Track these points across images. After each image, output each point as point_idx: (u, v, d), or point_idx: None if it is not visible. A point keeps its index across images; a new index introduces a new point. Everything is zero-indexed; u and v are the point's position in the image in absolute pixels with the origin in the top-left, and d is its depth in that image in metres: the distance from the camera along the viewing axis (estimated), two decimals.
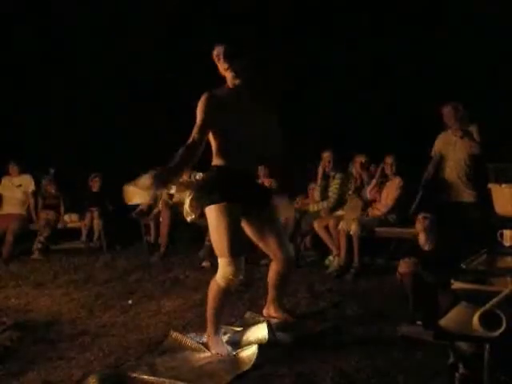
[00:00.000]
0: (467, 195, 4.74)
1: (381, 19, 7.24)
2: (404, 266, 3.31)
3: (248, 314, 3.66)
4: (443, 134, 4.98)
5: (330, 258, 5.27)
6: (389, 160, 5.25)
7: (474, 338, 2.06)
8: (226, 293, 2.98)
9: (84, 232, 6.87)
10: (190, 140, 2.84)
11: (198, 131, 2.86)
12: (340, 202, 5.52)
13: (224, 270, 2.91)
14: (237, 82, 2.97)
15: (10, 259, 6.22)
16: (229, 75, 2.98)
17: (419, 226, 3.59)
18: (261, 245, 3.27)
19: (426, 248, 3.48)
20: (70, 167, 7.37)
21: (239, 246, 2.93)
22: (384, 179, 5.29)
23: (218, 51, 2.92)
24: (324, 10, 7.37)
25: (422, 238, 3.56)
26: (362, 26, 7.29)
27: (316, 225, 5.37)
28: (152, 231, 6.72)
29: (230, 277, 2.89)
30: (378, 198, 5.29)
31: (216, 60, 2.96)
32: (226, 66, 2.94)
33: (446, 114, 4.83)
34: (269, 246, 3.24)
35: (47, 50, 7.87)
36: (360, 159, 5.55)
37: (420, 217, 3.62)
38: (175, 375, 2.71)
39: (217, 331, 3.05)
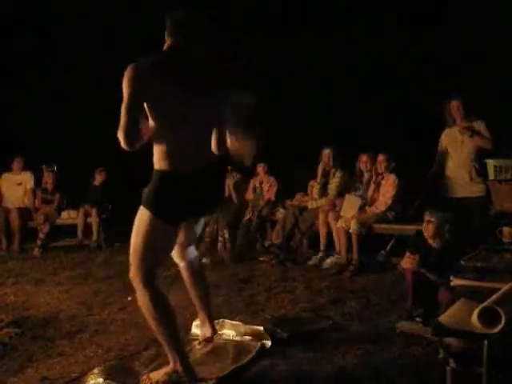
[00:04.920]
0: (476, 189, 4.67)
1: (381, 19, 7.25)
2: (407, 262, 3.29)
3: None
4: (448, 129, 4.93)
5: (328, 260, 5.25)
6: (380, 158, 5.29)
7: (473, 335, 2.07)
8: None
9: (80, 229, 6.87)
10: None
11: None
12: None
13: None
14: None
15: (19, 251, 6.43)
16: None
17: (426, 232, 3.49)
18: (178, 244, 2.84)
19: (435, 246, 3.44)
20: (70, 165, 7.38)
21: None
22: (380, 178, 5.31)
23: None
24: (324, 10, 7.37)
25: (430, 238, 3.50)
26: (362, 25, 7.29)
27: (320, 219, 5.38)
28: None
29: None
30: (376, 197, 5.31)
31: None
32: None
33: (453, 107, 4.77)
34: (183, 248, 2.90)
35: (47, 48, 7.87)
36: (363, 158, 5.55)
37: (425, 222, 3.51)
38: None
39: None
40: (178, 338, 2.57)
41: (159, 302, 2.48)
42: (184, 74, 2.45)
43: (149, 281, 2.48)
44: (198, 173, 2.48)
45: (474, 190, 4.70)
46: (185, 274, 3.00)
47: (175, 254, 2.92)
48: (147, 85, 2.33)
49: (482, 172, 4.65)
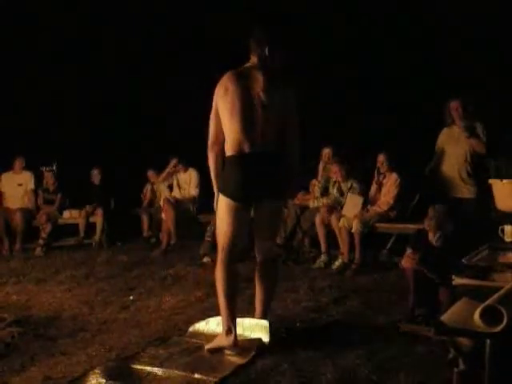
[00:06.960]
0: (466, 191, 4.72)
1: (381, 19, 7.25)
2: (407, 261, 3.29)
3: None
4: (446, 129, 4.94)
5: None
6: (381, 158, 5.32)
7: (475, 334, 2.07)
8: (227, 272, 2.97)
9: (81, 228, 6.86)
10: None
11: None
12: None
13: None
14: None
15: (21, 250, 6.43)
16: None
17: (430, 230, 3.50)
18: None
19: (436, 244, 3.44)
20: (70, 165, 7.38)
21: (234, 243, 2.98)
22: (382, 177, 5.33)
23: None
24: (324, 10, 7.38)
25: (431, 235, 3.51)
26: (362, 25, 7.30)
27: (317, 220, 5.37)
28: (148, 226, 6.76)
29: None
30: (378, 196, 5.33)
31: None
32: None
33: (452, 108, 4.78)
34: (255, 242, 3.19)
35: (47, 47, 7.87)
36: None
37: (427, 218, 3.52)
38: (173, 365, 2.75)
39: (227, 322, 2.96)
40: (231, 310, 2.94)
41: (226, 279, 2.94)
42: (253, 78, 2.96)
43: (223, 259, 2.96)
44: (258, 156, 2.90)
45: (464, 192, 4.72)
46: (256, 268, 3.18)
47: (255, 248, 3.17)
48: (219, 95, 2.93)
49: (475, 174, 4.67)
